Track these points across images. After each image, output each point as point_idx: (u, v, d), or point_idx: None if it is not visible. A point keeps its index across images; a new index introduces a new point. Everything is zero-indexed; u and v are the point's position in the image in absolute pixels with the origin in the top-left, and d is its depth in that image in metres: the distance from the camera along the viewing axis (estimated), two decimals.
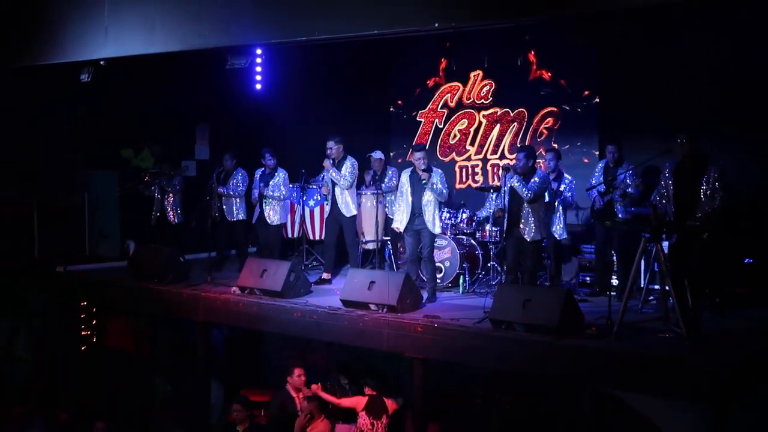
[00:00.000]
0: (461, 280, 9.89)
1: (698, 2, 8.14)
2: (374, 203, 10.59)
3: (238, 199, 11.07)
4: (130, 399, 11.32)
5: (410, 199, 9.32)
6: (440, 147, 12.40)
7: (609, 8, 7.10)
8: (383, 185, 10.83)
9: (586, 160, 11.04)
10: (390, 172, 11.18)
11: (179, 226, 11.29)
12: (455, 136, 12.29)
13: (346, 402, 9.13)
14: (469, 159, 12.16)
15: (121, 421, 10.82)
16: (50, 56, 10.45)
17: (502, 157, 11.76)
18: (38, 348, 11.84)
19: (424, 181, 9.15)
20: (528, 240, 8.74)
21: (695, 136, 7.52)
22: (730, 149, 9.10)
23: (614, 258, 9.64)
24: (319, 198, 11.61)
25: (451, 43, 11.97)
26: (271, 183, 10.77)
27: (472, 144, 12.12)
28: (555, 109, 11.34)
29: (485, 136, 11.98)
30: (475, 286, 10.02)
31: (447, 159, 12.33)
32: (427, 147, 11.53)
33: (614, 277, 9.58)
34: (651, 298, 8.82)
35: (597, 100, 10.98)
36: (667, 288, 7.44)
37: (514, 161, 11.18)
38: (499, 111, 11.85)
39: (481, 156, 12.03)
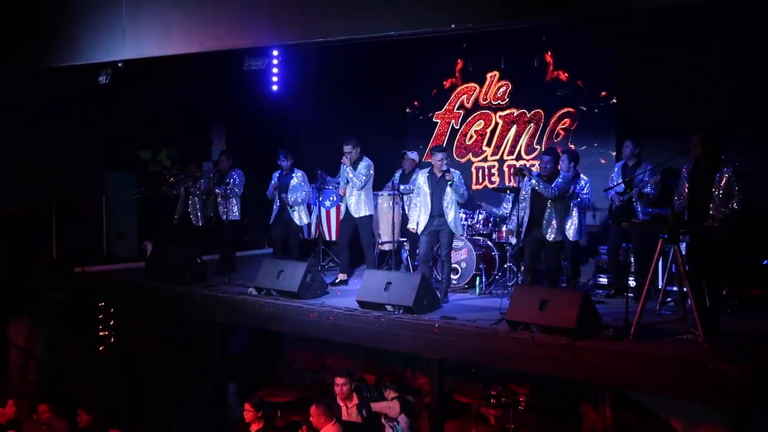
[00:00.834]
0: (478, 281, 9.87)
1: (715, 3, 8.08)
2: (390, 204, 10.58)
3: (233, 200, 10.98)
4: (147, 399, 11.36)
5: (429, 200, 9.31)
6: (456, 148, 12.38)
7: (626, 8, 7.07)
8: (406, 187, 10.71)
9: (603, 161, 11.00)
10: (416, 175, 11.00)
11: (202, 227, 11.30)
12: (471, 137, 12.27)
13: (378, 407, 9.11)
14: (485, 160, 12.13)
15: (138, 421, 10.87)
16: (69, 58, 10.54)
17: (519, 157, 11.73)
18: (56, 348, 11.92)
19: (450, 182, 9.13)
20: (550, 240, 8.75)
21: (709, 136, 7.48)
22: (747, 149, 9.03)
23: (632, 259, 9.58)
24: (335, 199, 11.62)
25: (468, 44, 11.96)
26: (290, 187, 10.77)
27: (488, 145, 12.09)
28: (572, 109, 11.30)
29: (502, 137, 11.95)
30: (491, 287, 9.99)
31: (463, 160, 12.31)
32: (445, 147, 11.55)
33: (631, 278, 9.53)
34: (669, 299, 8.77)
35: (614, 100, 10.93)
36: (684, 289, 7.40)
37: (530, 163, 11.28)
38: (516, 112, 11.82)
39: (497, 157, 12.00)
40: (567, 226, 9.44)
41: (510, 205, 10.40)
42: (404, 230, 10.62)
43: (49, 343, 11.95)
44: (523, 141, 11.72)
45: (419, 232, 9.44)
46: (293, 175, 10.83)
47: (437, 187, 9.29)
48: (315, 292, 9.43)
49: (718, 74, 9.68)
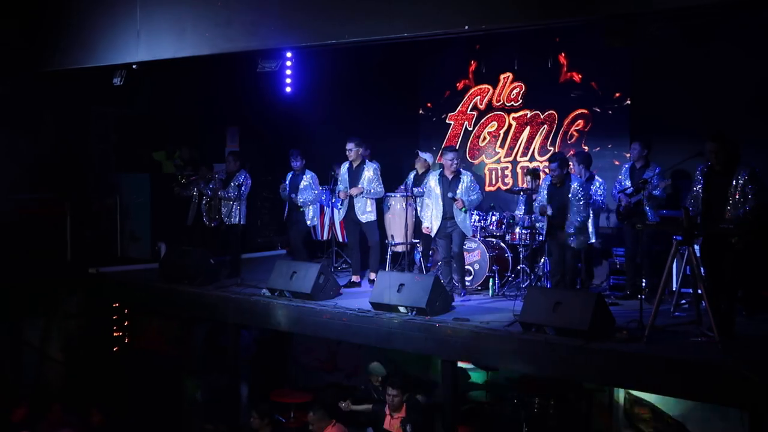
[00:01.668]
0: (491, 283, 9.85)
1: (729, 5, 8.04)
2: (404, 205, 10.57)
3: (237, 203, 10.95)
4: (160, 400, 11.39)
5: (441, 202, 9.33)
6: (470, 149, 12.37)
7: (640, 10, 7.05)
8: (419, 189, 10.70)
9: (616, 163, 10.95)
10: (428, 177, 10.98)
11: (214, 228, 11.33)
12: (485, 138, 12.25)
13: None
14: (498, 161, 12.12)
15: (151, 421, 10.91)
16: (84, 60, 10.60)
17: (532, 159, 11.71)
18: (71, 349, 11.97)
19: (463, 210, 9.27)
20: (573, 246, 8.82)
21: (726, 137, 7.44)
22: (763, 151, 8.98)
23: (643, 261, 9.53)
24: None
25: (481, 46, 11.94)
26: (300, 188, 10.80)
27: (501, 146, 12.08)
28: (586, 111, 11.27)
29: (515, 139, 11.93)
30: (504, 289, 9.97)
31: (476, 161, 12.30)
32: (458, 148, 11.56)
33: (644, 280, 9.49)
34: (683, 301, 8.73)
35: (628, 102, 10.89)
36: (699, 291, 7.36)
37: (543, 164, 11.25)
38: (529, 113, 11.80)
39: (510, 158, 11.99)
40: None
41: (523, 207, 10.38)
42: (417, 231, 10.61)
43: (63, 344, 12.01)
44: (536, 142, 11.70)
45: (433, 235, 9.46)
46: (303, 176, 10.88)
47: (448, 189, 9.30)
48: (328, 293, 9.45)
49: (736, 76, 9.60)
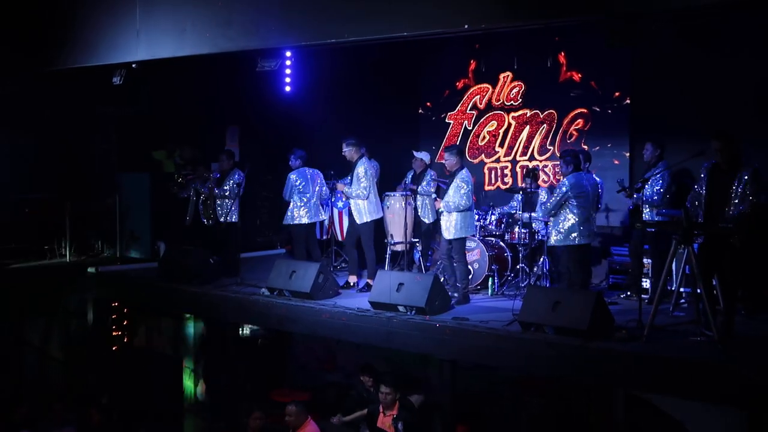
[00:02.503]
0: (490, 282, 9.86)
1: (729, 5, 8.03)
2: (403, 205, 10.56)
3: (233, 201, 10.92)
4: (160, 399, 11.41)
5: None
6: (469, 148, 12.37)
7: (640, 11, 7.04)
8: (420, 188, 10.70)
9: (616, 162, 10.96)
10: (428, 176, 10.94)
11: (212, 227, 11.32)
12: (484, 137, 12.26)
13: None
14: (498, 161, 12.12)
15: (151, 420, 10.93)
16: (83, 60, 10.59)
17: (532, 158, 11.72)
18: (71, 348, 11.98)
19: (440, 210, 9.29)
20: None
21: (731, 136, 7.43)
22: (764, 150, 8.97)
23: (646, 260, 9.53)
24: (346, 200, 11.61)
25: (481, 45, 11.93)
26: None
27: (501, 145, 12.08)
28: (585, 110, 11.27)
29: (514, 138, 11.94)
30: (504, 288, 9.98)
31: (476, 160, 12.30)
32: (458, 148, 11.54)
33: (645, 280, 9.48)
34: (682, 301, 8.74)
35: (628, 101, 10.89)
36: (698, 291, 7.37)
37: (543, 164, 11.26)
38: (529, 112, 11.80)
39: (510, 158, 11.99)
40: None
41: (521, 205, 10.35)
42: (417, 231, 10.61)
43: (63, 343, 12.02)
44: (536, 142, 11.71)
45: (432, 230, 9.48)
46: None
47: (442, 189, 9.30)
48: (327, 292, 9.45)
49: (735, 76, 9.60)
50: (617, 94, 10.97)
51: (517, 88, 11.90)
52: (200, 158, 12.26)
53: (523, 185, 10.40)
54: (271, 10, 8.91)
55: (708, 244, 7.55)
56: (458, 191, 9.19)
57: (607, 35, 7.46)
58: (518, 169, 11.87)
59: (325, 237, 12.03)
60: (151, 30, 9.77)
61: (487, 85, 12.22)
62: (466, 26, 7.66)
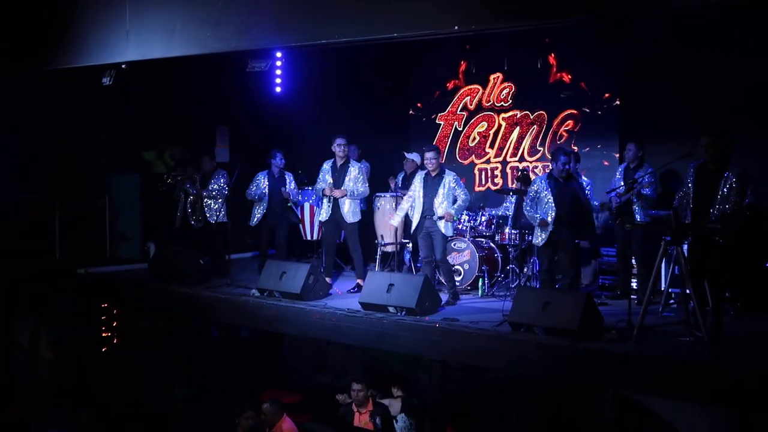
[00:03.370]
0: (480, 283, 9.87)
1: (719, 6, 8.07)
2: (393, 206, 10.58)
3: (219, 202, 10.94)
4: (150, 400, 11.38)
5: (422, 200, 9.29)
6: (459, 150, 12.38)
7: (630, 11, 7.07)
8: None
9: (606, 163, 10.99)
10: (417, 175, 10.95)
11: (202, 228, 11.29)
12: (474, 138, 12.27)
13: None
14: (488, 162, 12.13)
15: (142, 422, 10.90)
16: (73, 60, 10.57)
17: (522, 159, 11.73)
18: (60, 349, 11.94)
19: (455, 219, 9.25)
20: (576, 242, 8.89)
21: (720, 133, 7.46)
22: (754, 152, 9.01)
23: (633, 261, 9.56)
24: (314, 199, 11.59)
25: (471, 46, 11.95)
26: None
27: (491, 147, 12.09)
28: (575, 111, 11.29)
29: (505, 139, 11.95)
30: (494, 289, 9.99)
31: (466, 162, 12.32)
32: (441, 149, 11.56)
33: (633, 280, 9.51)
34: (672, 301, 8.76)
35: (618, 102, 10.92)
36: (687, 291, 7.40)
37: (533, 164, 11.26)
38: (519, 113, 11.82)
39: (500, 159, 12.00)
40: None
41: (513, 206, 10.38)
42: (407, 232, 10.61)
43: (53, 344, 11.98)
44: (526, 143, 11.72)
45: (412, 232, 9.43)
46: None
47: (430, 187, 9.26)
48: (317, 293, 9.45)
49: (727, 77, 9.62)
50: (607, 95, 11.00)
51: (508, 89, 11.92)
52: (190, 159, 12.24)
53: (514, 186, 10.41)
54: (262, 11, 8.91)
55: (696, 244, 7.59)
56: (460, 188, 9.29)
57: (598, 37, 7.49)
58: (508, 170, 11.88)
59: (315, 238, 11.99)
60: (141, 30, 9.75)
61: (477, 86, 12.23)
62: (456, 27, 7.67)
